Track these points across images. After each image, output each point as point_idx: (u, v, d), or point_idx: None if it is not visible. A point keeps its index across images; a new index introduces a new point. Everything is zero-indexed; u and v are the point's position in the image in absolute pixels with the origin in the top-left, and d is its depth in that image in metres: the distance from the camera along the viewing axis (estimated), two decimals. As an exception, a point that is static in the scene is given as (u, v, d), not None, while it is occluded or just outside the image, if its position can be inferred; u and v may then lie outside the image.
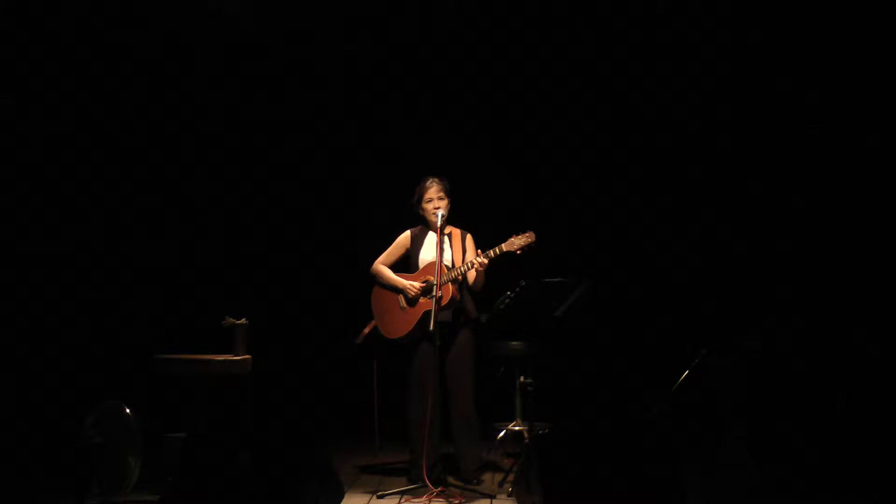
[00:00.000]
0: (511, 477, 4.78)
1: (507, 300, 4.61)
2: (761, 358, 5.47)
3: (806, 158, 6.03)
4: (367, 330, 5.09)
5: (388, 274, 4.92)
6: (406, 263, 4.97)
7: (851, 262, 5.87)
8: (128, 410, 4.44)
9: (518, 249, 4.56)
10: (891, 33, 5.71)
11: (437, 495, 4.51)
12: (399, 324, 4.83)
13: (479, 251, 4.70)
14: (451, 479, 4.75)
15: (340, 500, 4.17)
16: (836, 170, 5.94)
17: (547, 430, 5.39)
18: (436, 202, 4.82)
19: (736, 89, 6.18)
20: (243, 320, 5.09)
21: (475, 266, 4.61)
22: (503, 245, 4.58)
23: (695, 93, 6.25)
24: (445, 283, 4.66)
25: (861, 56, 5.84)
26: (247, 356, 5.06)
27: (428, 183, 4.85)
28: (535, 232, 4.57)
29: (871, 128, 5.83)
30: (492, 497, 4.61)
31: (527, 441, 5.28)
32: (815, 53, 5.97)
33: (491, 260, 4.60)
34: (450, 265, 4.82)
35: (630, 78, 6.37)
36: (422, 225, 4.97)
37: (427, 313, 4.57)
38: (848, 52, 5.87)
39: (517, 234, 4.59)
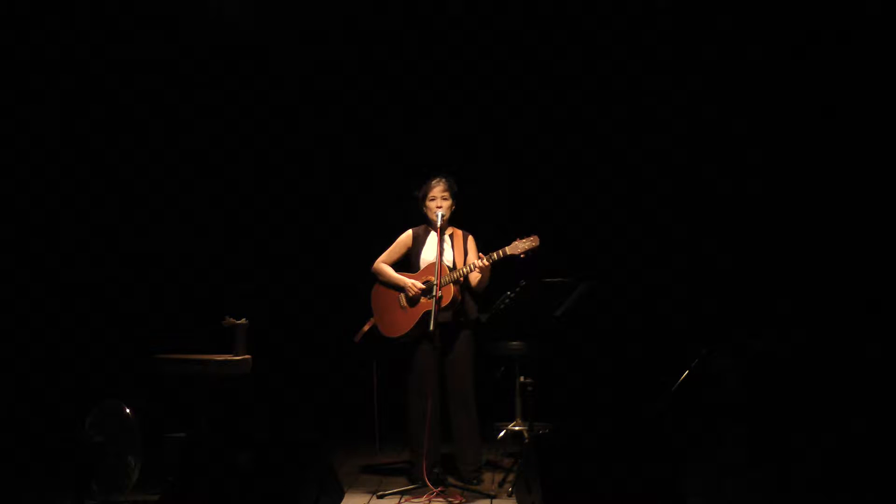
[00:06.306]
0: (511, 477, 4.78)
1: (507, 300, 4.60)
2: (761, 358, 5.47)
3: (810, 157, 6.04)
4: (365, 328, 5.08)
5: (390, 272, 4.91)
6: (407, 263, 4.96)
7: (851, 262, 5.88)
8: (128, 410, 4.43)
9: (521, 253, 4.50)
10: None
11: (437, 495, 4.50)
12: (399, 323, 4.82)
13: (480, 254, 4.66)
14: (451, 479, 4.74)
15: (340, 500, 4.18)
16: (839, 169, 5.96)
17: (547, 430, 5.40)
18: (438, 201, 4.80)
19: (742, 87, 6.18)
20: (243, 320, 5.09)
21: (477, 268, 4.60)
22: (507, 248, 4.53)
23: (698, 92, 6.25)
24: (447, 284, 4.64)
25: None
26: (247, 356, 5.06)
27: (434, 181, 4.83)
28: (538, 235, 4.50)
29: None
30: (492, 497, 4.60)
31: (527, 441, 5.27)
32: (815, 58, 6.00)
33: (493, 262, 4.58)
34: (451, 266, 4.81)
35: (631, 78, 6.37)
36: (424, 224, 4.97)
37: (427, 313, 4.56)
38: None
39: (521, 238, 4.51)
